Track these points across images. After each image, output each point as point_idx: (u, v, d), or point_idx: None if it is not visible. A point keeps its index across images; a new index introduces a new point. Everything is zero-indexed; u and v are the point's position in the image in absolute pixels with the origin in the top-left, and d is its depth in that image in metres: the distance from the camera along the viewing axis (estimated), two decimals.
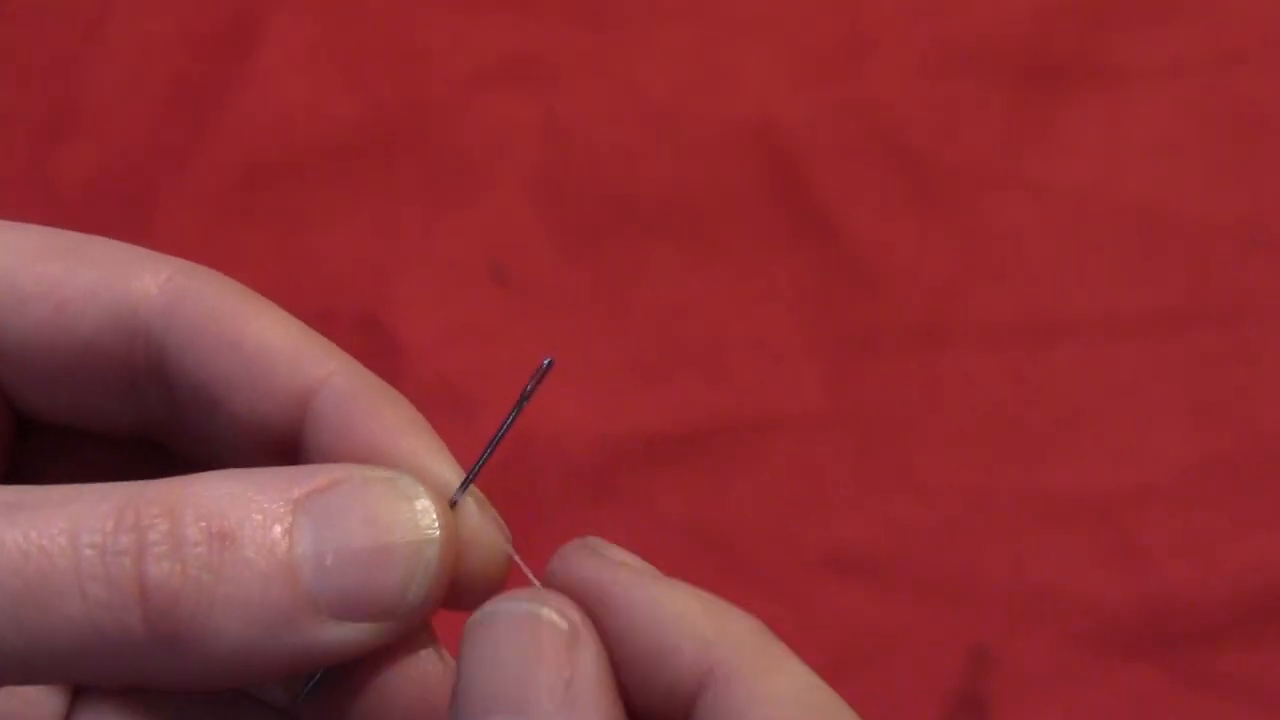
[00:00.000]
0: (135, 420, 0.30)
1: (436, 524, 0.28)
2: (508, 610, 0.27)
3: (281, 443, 0.29)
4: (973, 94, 0.65)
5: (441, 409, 0.61)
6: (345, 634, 0.27)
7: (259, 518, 0.26)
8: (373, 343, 0.62)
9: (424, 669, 0.28)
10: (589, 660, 0.26)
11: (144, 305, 0.29)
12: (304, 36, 0.67)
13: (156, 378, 0.29)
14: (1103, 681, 0.57)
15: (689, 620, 0.27)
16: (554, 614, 0.27)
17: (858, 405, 0.61)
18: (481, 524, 0.29)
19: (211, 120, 0.67)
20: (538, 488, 0.59)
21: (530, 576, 0.29)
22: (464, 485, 0.29)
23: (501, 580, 0.29)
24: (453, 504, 0.29)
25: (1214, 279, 0.62)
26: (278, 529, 0.26)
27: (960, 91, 0.65)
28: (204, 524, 0.26)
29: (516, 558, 0.29)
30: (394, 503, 0.28)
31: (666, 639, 0.27)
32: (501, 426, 0.30)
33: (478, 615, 0.27)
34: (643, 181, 0.65)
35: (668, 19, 0.67)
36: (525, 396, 0.30)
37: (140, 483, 0.26)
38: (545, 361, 0.31)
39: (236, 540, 0.26)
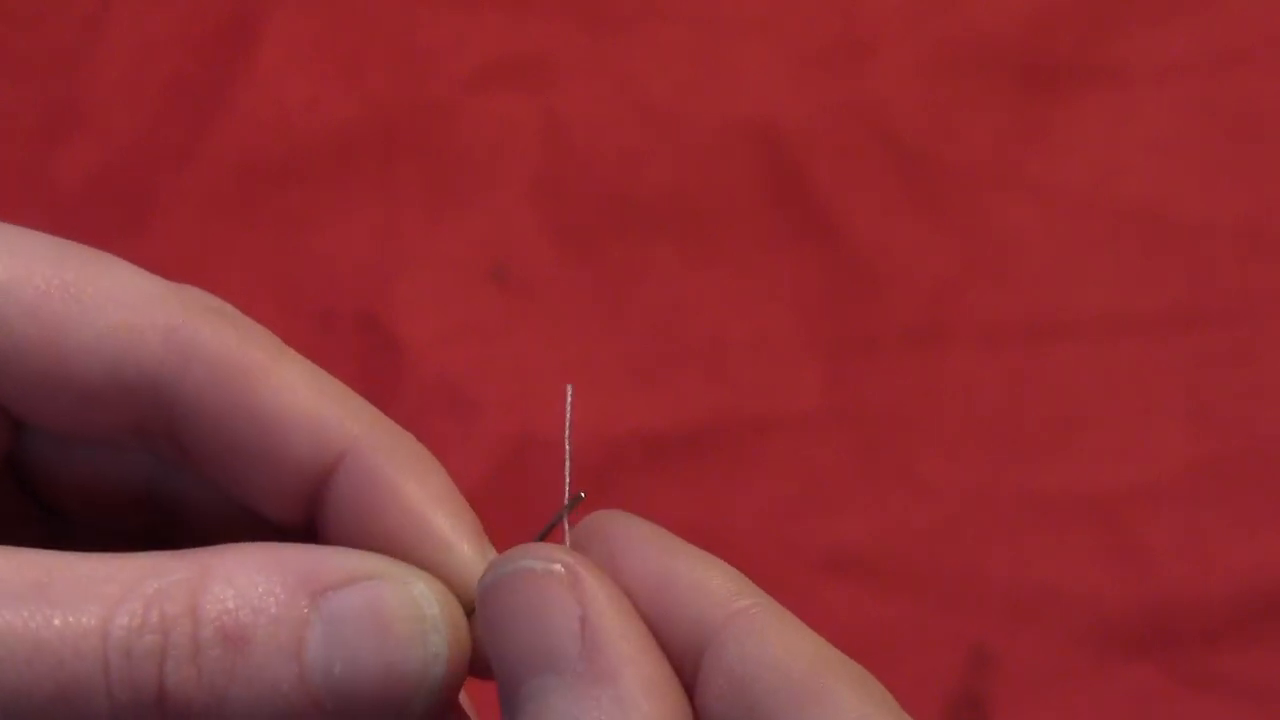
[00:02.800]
0: (147, 470, 0.30)
1: (445, 643, 0.28)
2: (504, 573, 0.28)
3: (301, 507, 0.29)
4: (973, 94, 0.65)
5: (441, 409, 0.61)
6: None
7: (274, 620, 0.26)
8: (373, 343, 0.62)
9: None
10: (597, 596, 0.27)
11: (149, 362, 0.28)
12: (304, 36, 0.67)
13: (166, 435, 0.29)
14: (1103, 681, 0.57)
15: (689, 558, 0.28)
16: (544, 563, 0.27)
17: (858, 405, 0.61)
18: None
19: (211, 120, 0.67)
20: (537, 488, 0.59)
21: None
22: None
23: None
24: (471, 611, 0.28)
25: (1214, 279, 0.62)
26: (291, 634, 0.26)
27: (960, 91, 0.65)
28: (222, 624, 0.26)
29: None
30: (406, 617, 0.27)
31: (683, 590, 0.28)
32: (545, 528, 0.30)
33: (481, 587, 0.28)
34: (643, 181, 0.65)
35: (668, 19, 0.67)
36: (551, 525, 0.30)
37: (163, 563, 0.26)
38: (581, 494, 0.31)
39: (250, 643, 0.26)
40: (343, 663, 0.27)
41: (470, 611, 0.28)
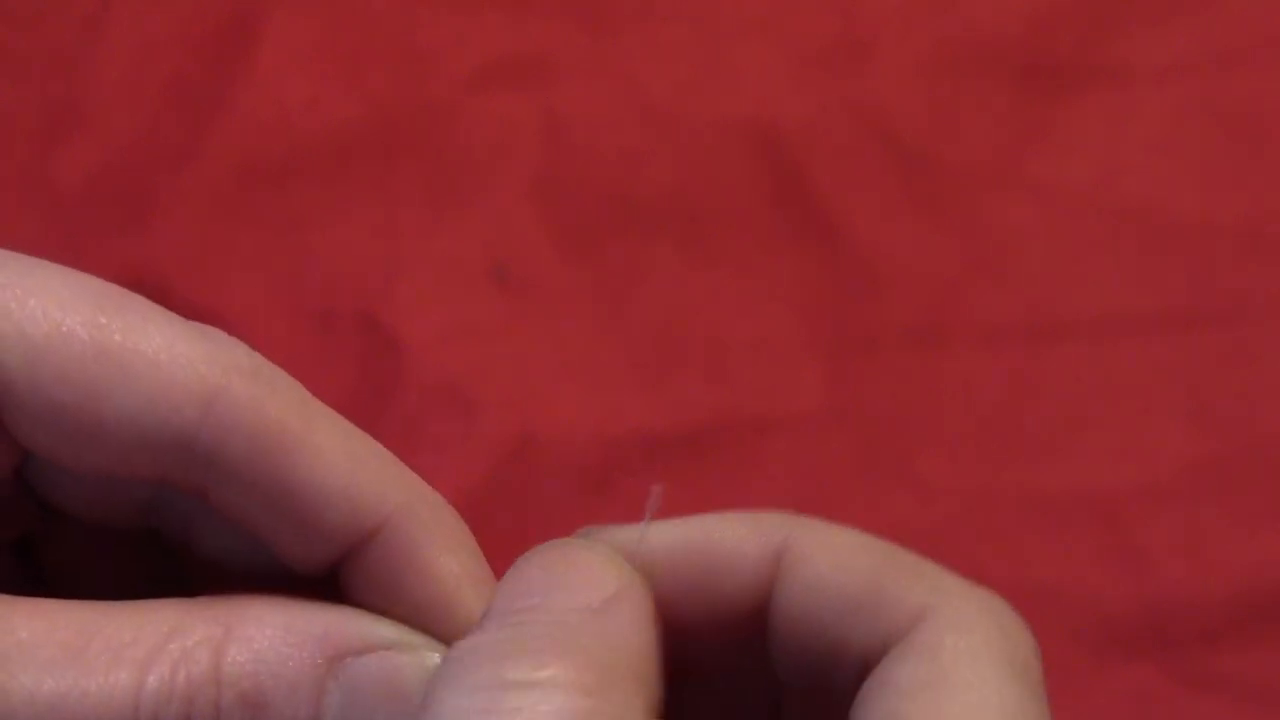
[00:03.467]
0: (155, 489, 0.30)
1: None
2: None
3: (327, 566, 0.29)
4: (973, 94, 0.65)
5: (441, 409, 0.61)
6: None
7: (292, 686, 0.27)
8: (373, 343, 0.62)
9: None
10: (628, 599, 0.27)
11: (185, 431, 0.27)
12: (304, 36, 0.67)
13: (193, 490, 0.28)
14: (1103, 681, 0.57)
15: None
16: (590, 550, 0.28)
17: (858, 405, 0.61)
18: None
19: (211, 120, 0.66)
20: (537, 488, 0.59)
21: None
22: None
23: None
24: None
25: (1214, 279, 0.62)
26: (309, 700, 0.27)
27: (960, 91, 0.65)
28: (242, 689, 0.26)
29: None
30: (422, 689, 0.27)
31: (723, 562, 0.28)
32: None
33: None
34: (643, 181, 0.65)
35: (668, 19, 0.67)
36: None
37: (186, 618, 0.27)
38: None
39: (269, 709, 0.26)
40: None
41: None
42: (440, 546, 0.29)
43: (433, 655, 0.28)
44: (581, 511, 0.57)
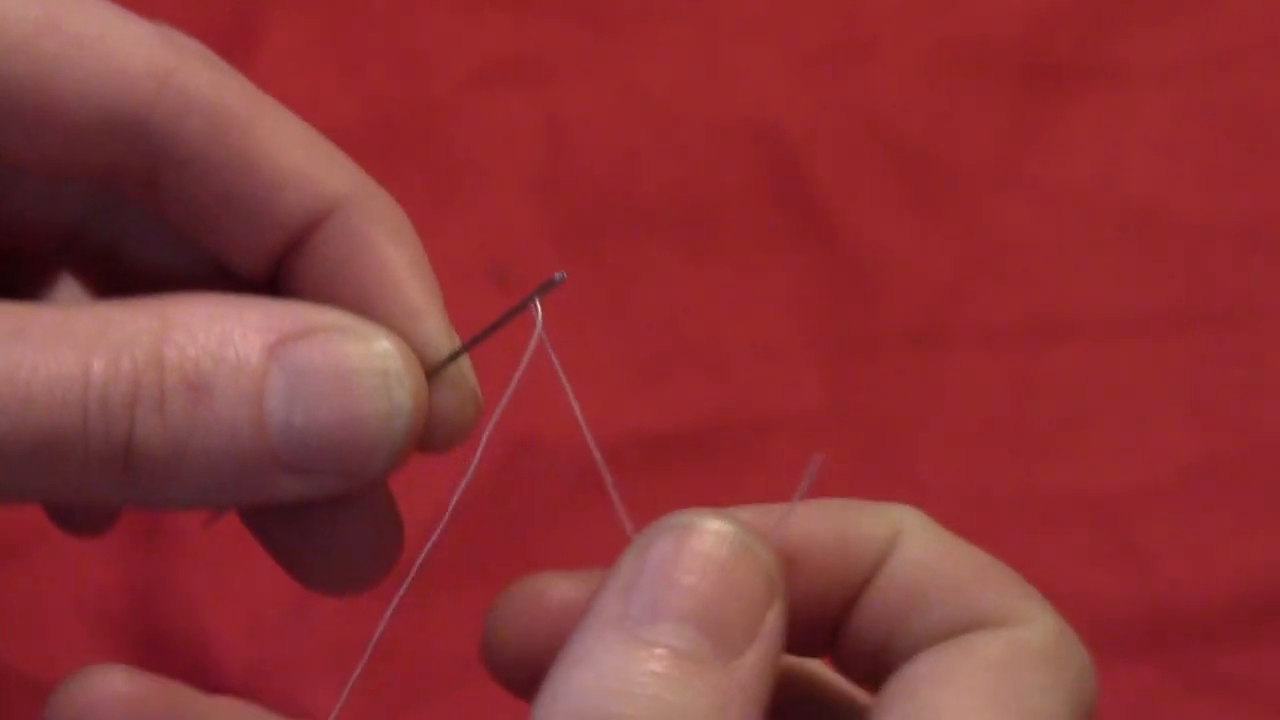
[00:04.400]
0: (79, 212, 0.29)
1: (410, 398, 0.27)
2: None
3: (271, 261, 0.28)
4: (973, 94, 0.65)
5: None
6: (301, 486, 0.27)
7: (235, 369, 0.26)
8: None
9: (374, 511, 0.28)
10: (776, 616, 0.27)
11: (141, 107, 0.27)
12: (304, 36, 0.67)
13: (142, 177, 0.28)
14: (1102, 682, 0.57)
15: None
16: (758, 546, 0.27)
17: (858, 405, 0.61)
18: (456, 399, 0.30)
19: None
20: (537, 488, 0.59)
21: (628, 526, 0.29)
22: (449, 360, 0.29)
23: (466, 436, 0.30)
24: (433, 374, 0.28)
25: (1214, 279, 0.62)
26: (252, 384, 0.26)
27: (960, 91, 0.65)
28: (185, 374, 0.26)
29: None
30: (369, 371, 0.27)
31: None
32: (498, 319, 0.31)
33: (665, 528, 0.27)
34: (643, 181, 0.65)
35: (668, 19, 0.67)
36: (524, 303, 0.30)
37: (119, 313, 0.26)
38: (557, 275, 0.31)
39: (212, 393, 0.26)
40: (303, 414, 0.26)
41: (431, 377, 0.28)
42: (388, 236, 0.29)
43: (379, 339, 0.27)
44: (582, 512, 0.57)
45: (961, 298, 0.62)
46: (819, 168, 0.64)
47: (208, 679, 0.56)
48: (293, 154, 0.28)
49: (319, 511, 0.28)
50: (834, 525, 0.29)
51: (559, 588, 0.29)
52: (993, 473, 0.60)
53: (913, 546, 0.29)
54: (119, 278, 0.30)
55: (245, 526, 0.30)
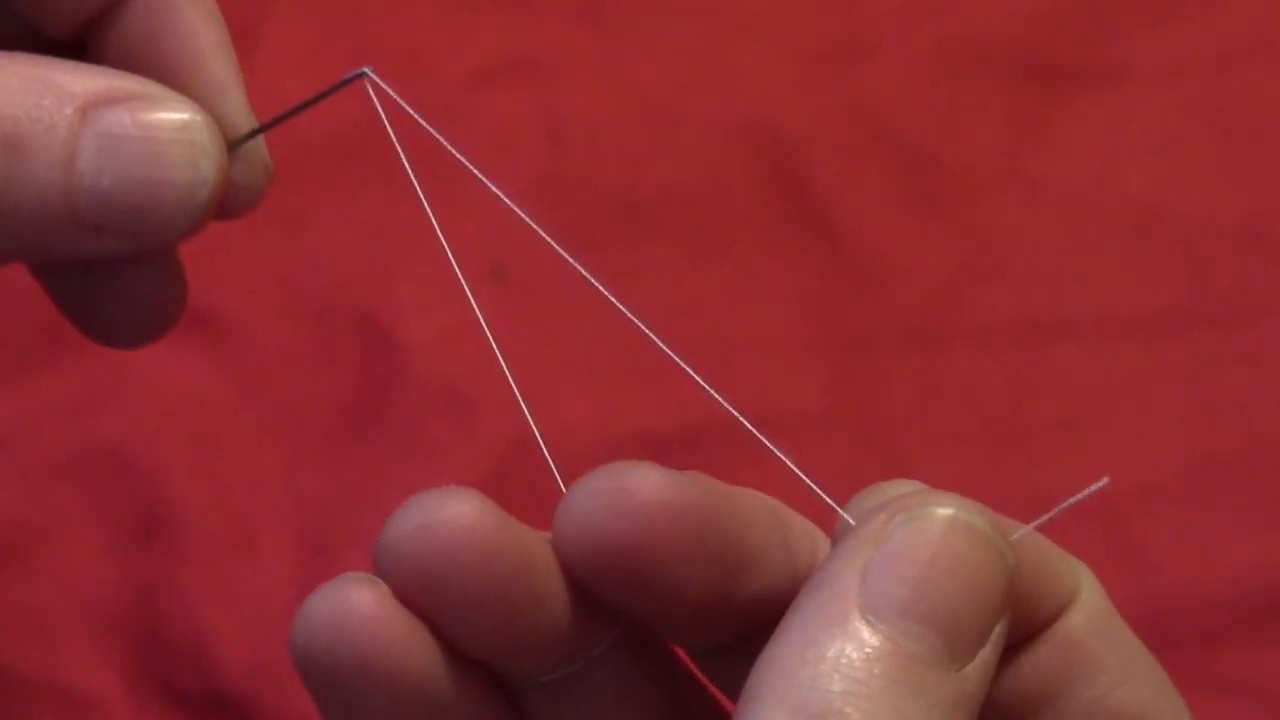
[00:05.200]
0: None
1: (214, 169, 0.28)
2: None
3: (79, 22, 0.29)
4: (973, 94, 0.65)
5: (441, 409, 0.61)
6: (102, 245, 0.27)
7: (48, 126, 0.26)
8: (373, 343, 0.62)
9: (163, 270, 0.29)
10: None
11: None
12: (304, 36, 0.67)
13: None
14: None
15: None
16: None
17: (858, 405, 0.61)
18: (250, 172, 0.31)
19: None
20: (537, 488, 0.59)
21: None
22: (250, 136, 0.30)
23: (255, 205, 0.31)
24: (234, 147, 0.29)
25: (1214, 279, 0.62)
26: (64, 144, 0.26)
27: (960, 91, 0.65)
28: (2, 131, 0.26)
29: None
30: (178, 139, 0.28)
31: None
32: (299, 105, 0.32)
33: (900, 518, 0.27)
34: (643, 181, 0.65)
35: (668, 19, 0.67)
36: (325, 93, 0.31)
37: None
38: (366, 68, 0.31)
39: (26, 150, 0.26)
40: (112, 177, 0.27)
41: (231, 150, 0.29)
42: (197, 13, 0.29)
43: (187, 109, 0.28)
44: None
45: (961, 297, 0.62)
46: (819, 167, 0.64)
47: (208, 679, 0.56)
48: None
49: (111, 269, 0.29)
50: (1037, 559, 0.29)
51: (647, 487, 0.29)
52: (992, 472, 0.60)
53: (1090, 612, 0.29)
54: None
55: (33, 276, 0.31)
